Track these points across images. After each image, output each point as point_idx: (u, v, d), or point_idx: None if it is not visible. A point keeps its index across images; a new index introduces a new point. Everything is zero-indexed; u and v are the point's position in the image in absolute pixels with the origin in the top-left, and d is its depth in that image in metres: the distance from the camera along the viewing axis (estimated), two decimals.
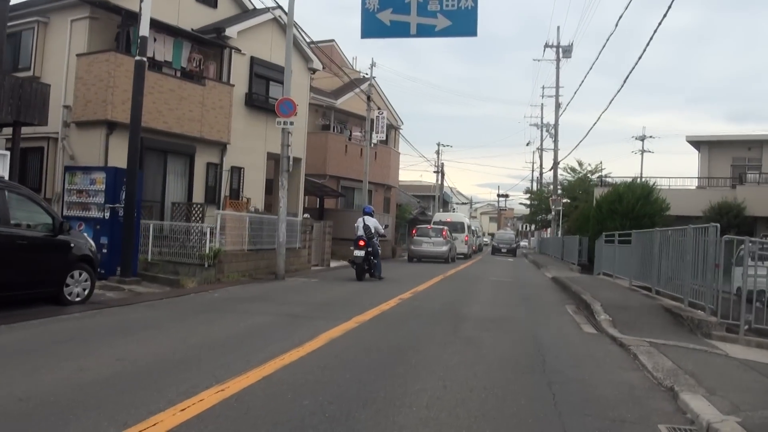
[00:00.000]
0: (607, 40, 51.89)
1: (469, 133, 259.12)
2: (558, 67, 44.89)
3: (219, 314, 10.40)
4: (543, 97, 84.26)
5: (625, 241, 19.07)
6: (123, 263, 14.23)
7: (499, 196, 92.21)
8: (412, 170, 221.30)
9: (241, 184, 22.69)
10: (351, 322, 9.78)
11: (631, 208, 28.66)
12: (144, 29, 14.56)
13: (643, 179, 32.70)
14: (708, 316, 10.89)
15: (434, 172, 59.35)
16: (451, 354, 7.73)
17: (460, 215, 45.61)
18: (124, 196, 14.43)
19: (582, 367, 7.49)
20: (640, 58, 32.00)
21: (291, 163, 17.63)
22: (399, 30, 16.87)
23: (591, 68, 51.01)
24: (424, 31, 16.61)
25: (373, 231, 18.64)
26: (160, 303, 11.72)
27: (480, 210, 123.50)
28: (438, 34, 16.55)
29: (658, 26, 16.88)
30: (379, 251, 19.49)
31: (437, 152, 62.57)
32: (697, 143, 39.29)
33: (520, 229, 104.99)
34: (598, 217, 31.02)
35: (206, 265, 15.65)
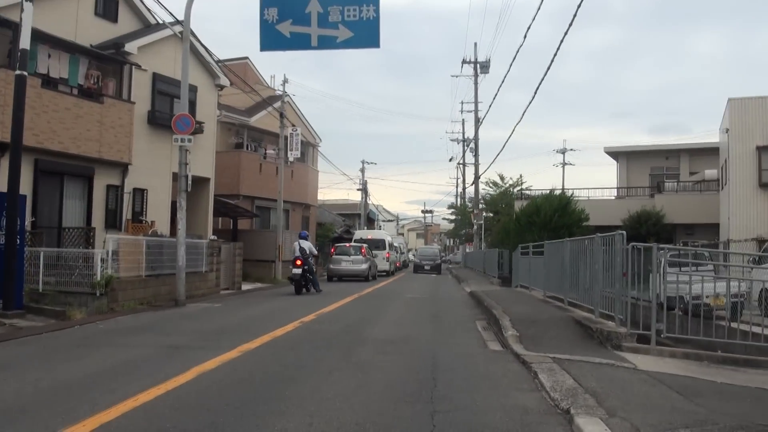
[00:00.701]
0: (516, 53, 52.20)
1: (396, 151, 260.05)
2: (476, 83, 45.04)
3: (92, 349, 9.47)
4: (462, 112, 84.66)
5: (539, 253, 18.74)
6: (5, 296, 13.06)
7: (423, 212, 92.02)
8: (338, 189, 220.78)
9: (145, 206, 21.63)
10: (234, 351, 8.97)
11: (549, 220, 28.68)
12: (25, 41, 13.52)
13: (562, 191, 32.78)
14: (618, 326, 10.46)
15: (357, 189, 58.74)
16: (332, 383, 7.02)
17: (381, 232, 45.20)
18: (4, 223, 13.29)
19: (475, 390, 6.88)
20: (547, 69, 32.19)
21: (190, 182, 16.70)
22: (299, 42, 16.21)
23: (503, 82, 51.50)
24: (326, 43, 16.00)
25: (308, 252, 21.29)
26: (35, 339, 10.67)
27: (407, 227, 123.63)
28: (340, 46, 15.96)
29: (561, 41, 16.58)
30: (315, 269, 22.44)
31: (361, 170, 62.05)
32: (615, 154, 39.80)
33: (447, 244, 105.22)
34: (516, 229, 31.01)
35: (98, 294, 14.59)
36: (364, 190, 58.45)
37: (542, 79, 18.62)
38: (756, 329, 10.32)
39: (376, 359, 8.69)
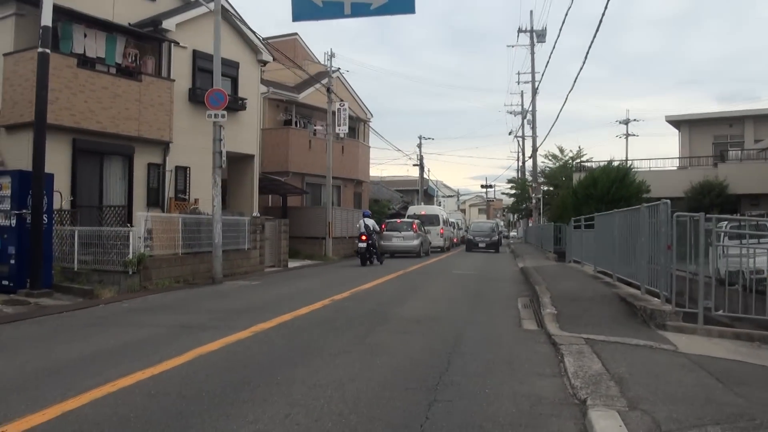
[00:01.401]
0: (565, 15, 50.55)
1: (457, 126, 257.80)
2: (533, 52, 43.63)
3: (102, 329, 9.12)
4: (519, 83, 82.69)
5: (591, 226, 17.85)
6: (32, 274, 12.94)
7: (483, 186, 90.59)
8: (398, 165, 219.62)
9: (188, 184, 21.39)
10: (246, 331, 8.51)
11: (606, 192, 27.51)
12: (46, 18, 13.29)
13: (620, 162, 31.42)
14: (662, 304, 9.66)
15: (414, 165, 57.97)
16: (333, 368, 6.46)
17: (435, 208, 44.35)
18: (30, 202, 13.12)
19: (490, 375, 6.25)
20: (596, 32, 30.54)
21: (224, 159, 16.32)
22: (332, 10, 15.50)
23: (554, 48, 50.03)
24: (359, 11, 15.25)
25: (371, 228, 24.03)
26: (53, 318, 10.41)
27: (469, 202, 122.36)
28: (374, 13, 15.21)
29: (605, 9, 15.82)
30: (377, 243, 25.19)
31: (419, 145, 61.21)
32: (677, 123, 38.13)
33: (511, 219, 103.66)
34: (574, 203, 29.89)
35: (130, 272, 14.37)
36: (421, 166, 57.61)
37: (591, 44, 17.62)
38: None
39: (394, 340, 8.11)
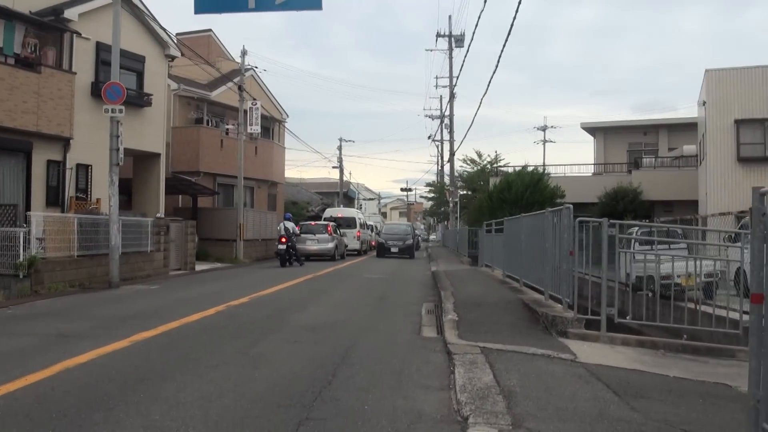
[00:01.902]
0: (478, 19, 50.70)
1: (378, 129, 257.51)
2: (451, 56, 43.63)
3: None
4: (437, 87, 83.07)
5: (501, 230, 17.73)
6: None
7: (403, 190, 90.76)
8: (320, 167, 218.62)
9: (90, 183, 20.39)
10: (125, 341, 7.92)
11: (521, 197, 27.67)
12: None
13: (535, 167, 31.67)
14: (565, 310, 9.49)
15: (333, 167, 57.48)
16: (206, 382, 5.96)
17: (351, 210, 43.83)
18: None
19: (375, 389, 5.85)
20: (507, 38, 30.80)
21: (122, 156, 15.57)
22: (236, 4, 15.11)
23: (467, 51, 49.81)
24: (263, 5, 14.83)
25: (291, 231, 25.30)
26: None
27: (390, 205, 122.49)
28: (279, 8, 14.80)
29: (514, 18, 15.75)
30: (296, 245, 26.08)
31: (339, 147, 60.72)
32: (593, 130, 38.73)
33: (432, 222, 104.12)
34: (489, 207, 29.96)
35: (21, 276, 13.50)
36: (341, 168, 57.23)
37: (503, 48, 17.53)
38: (720, 312, 9.32)
39: (282, 350, 7.65)
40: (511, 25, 16.33)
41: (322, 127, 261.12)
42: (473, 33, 24.45)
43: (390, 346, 8.16)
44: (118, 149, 15.38)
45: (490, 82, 56.59)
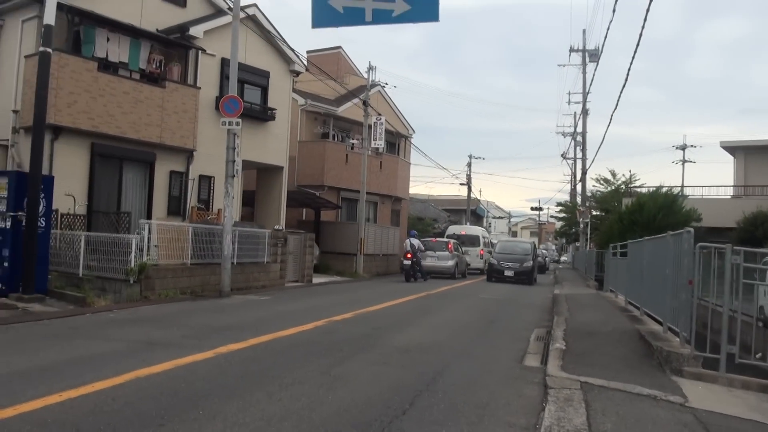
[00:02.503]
0: (605, 36, 48.68)
1: (513, 146, 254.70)
2: (584, 71, 42.42)
3: (63, 341, 8.53)
4: (569, 103, 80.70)
5: (625, 254, 16.70)
6: (25, 278, 12.49)
7: (533, 209, 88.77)
8: (449, 185, 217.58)
9: (212, 193, 20.85)
10: (210, 352, 7.75)
11: (652, 219, 26.24)
12: (49, 17, 12.97)
13: (669, 188, 29.96)
14: (681, 346, 8.59)
15: (461, 184, 56.81)
16: (272, 402, 5.62)
17: (475, 228, 42.95)
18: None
19: (449, 423, 5.33)
20: (635, 53, 29.29)
21: (238, 168, 15.69)
22: (353, 17, 14.83)
23: (597, 65, 48.09)
24: (381, 18, 14.54)
25: (416, 247, 25.81)
26: (30, 325, 9.84)
27: (521, 225, 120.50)
28: (396, 20, 14.46)
29: (641, 32, 14.52)
30: (422, 262, 26.52)
31: (468, 164, 59.97)
32: (733, 149, 36.37)
33: (563, 243, 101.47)
34: (619, 229, 28.61)
35: (131, 281, 13.81)
36: (469, 185, 56.45)
37: (632, 59, 16.44)
38: None
39: (365, 372, 7.23)
40: (640, 35, 15.48)
41: (453, 145, 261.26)
42: (602, 45, 23.45)
43: (484, 374, 7.59)
44: (234, 161, 15.54)
45: (619, 97, 54.82)
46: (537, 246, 37.68)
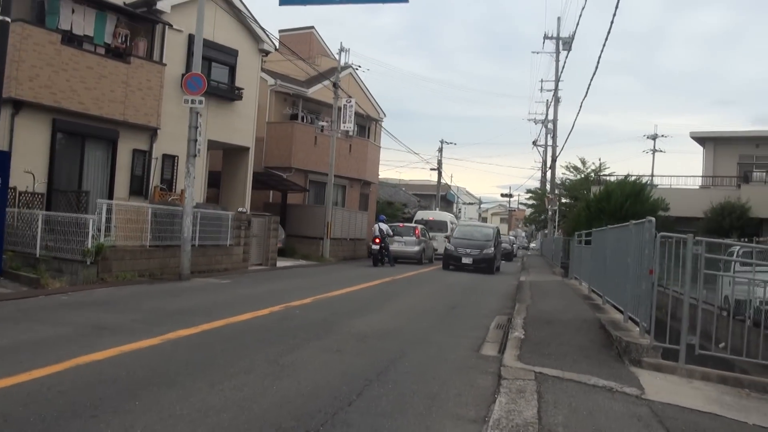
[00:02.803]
0: (577, 24, 48.20)
1: (485, 133, 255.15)
2: (557, 59, 42.19)
3: (11, 324, 8.31)
4: (542, 91, 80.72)
5: (590, 242, 16.66)
6: None
7: (503, 195, 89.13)
8: (420, 169, 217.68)
9: (175, 174, 20.46)
10: (157, 338, 7.52)
11: (619, 207, 26.29)
12: None
13: (637, 177, 30.05)
14: (641, 336, 8.50)
15: (431, 169, 56.71)
16: (214, 393, 5.40)
17: (443, 214, 42.85)
18: None
19: (397, 415, 5.16)
20: (605, 42, 29.47)
21: (199, 148, 15.37)
22: None
23: (567, 55, 47.94)
24: None
25: (385, 232, 25.81)
26: None
27: (491, 211, 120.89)
28: (364, 0, 14.28)
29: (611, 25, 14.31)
30: (390, 246, 26.36)
31: (439, 149, 59.84)
32: (702, 139, 36.55)
33: (533, 230, 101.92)
34: (586, 217, 28.66)
35: (88, 263, 13.47)
36: (439, 170, 56.35)
37: (603, 47, 16.39)
38: None
39: (316, 360, 7.03)
40: (611, 23, 15.37)
41: (427, 129, 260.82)
42: (574, 33, 23.35)
43: (438, 363, 7.43)
44: (196, 140, 15.23)
45: (589, 85, 55.11)
46: (500, 232, 34.28)
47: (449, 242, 28.13)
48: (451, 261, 26.36)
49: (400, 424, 4.95)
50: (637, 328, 8.99)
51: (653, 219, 8.47)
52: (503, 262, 34.75)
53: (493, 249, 26.86)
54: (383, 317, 10.88)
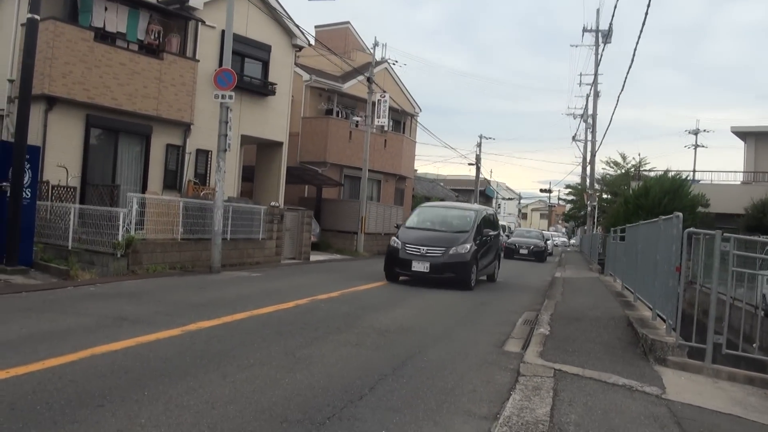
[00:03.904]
0: (612, 15, 46.50)
1: (523, 128, 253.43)
2: (597, 52, 41.61)
3: (36, 314, 8.36)
4: (580, 85, 79.68)
5: (624, 238, 16.40)
6: (8, 250, 12.31)
7: (542, 191, 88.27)
8: (457, 164, 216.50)
9: (208, 168, 20.61)
10: (177, 329, 7.57)
11: (658, 203, 25.82)
12: None
13: (677, 172, 29.50)
14: (667, 334, 8.32)
15: (469, 164, 56.36)
16: (224, 385, 5.40)
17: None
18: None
19: (408, 409, 5.10)
20: (641, 33, 28.68)
21: (230, 142, 15.41)
22: None
23: (604, 48, 47.29)
24: None
25: None
26: (5, 298, 9.66)
27: (531, 206, 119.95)
28: None
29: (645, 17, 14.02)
30: None
31: (478, 144, 59.46)
32: (743, 134, 35.76)
33: (573, 226, 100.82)
34: (625, 213, 28.26)
35: (118, 255, 13.62)
36: (477, 165, 56.00)
37: (638, 39, 16.11)
38: None
39: (334, 354, 6.99)
40: (645, 14, 15.17)
41: (468, 125, 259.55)
42: (610, 23, 22.91)
43: (458, 359, 7.34)
44: (226, 135, 15.27)
45: (626, 78, 54.29)
46: (495, 217, 21.84)
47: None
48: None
49: (408, 419, 4.89)
50: (665, 326, 8.80)
51: (680, 214, 8.26)
52: (534, 262, 30.73)
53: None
54: (408, 312, 10.80)
